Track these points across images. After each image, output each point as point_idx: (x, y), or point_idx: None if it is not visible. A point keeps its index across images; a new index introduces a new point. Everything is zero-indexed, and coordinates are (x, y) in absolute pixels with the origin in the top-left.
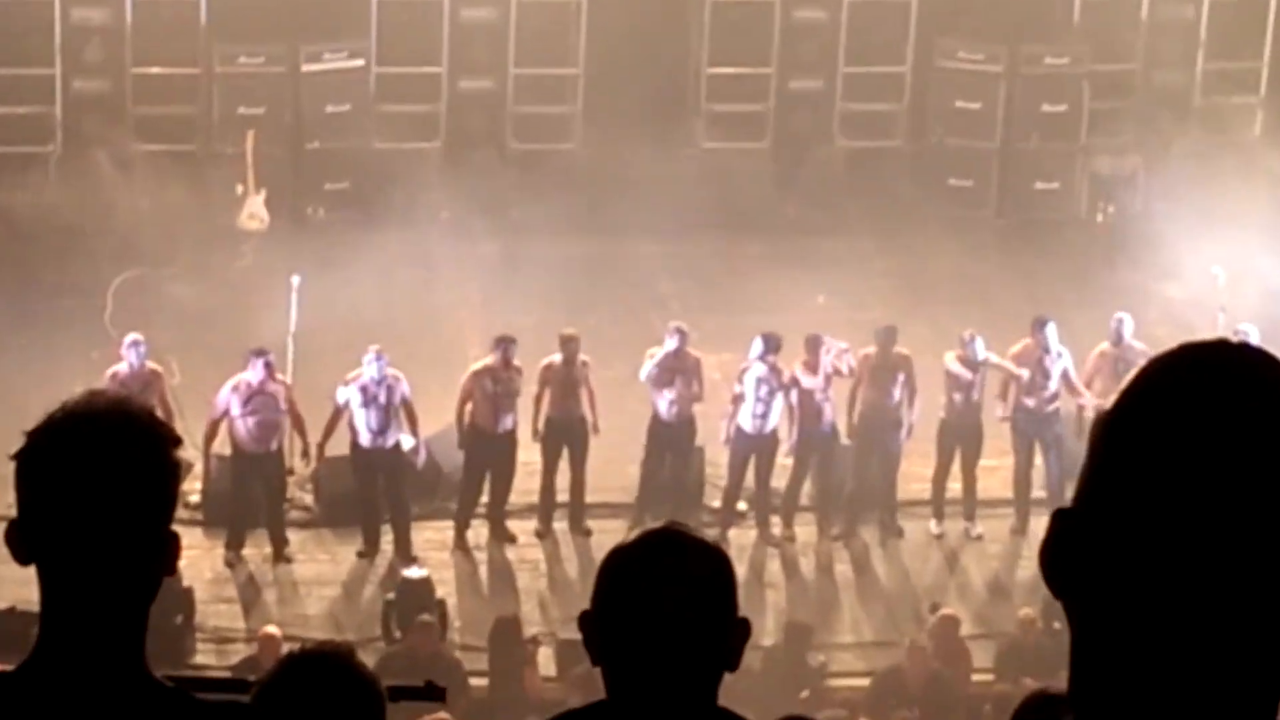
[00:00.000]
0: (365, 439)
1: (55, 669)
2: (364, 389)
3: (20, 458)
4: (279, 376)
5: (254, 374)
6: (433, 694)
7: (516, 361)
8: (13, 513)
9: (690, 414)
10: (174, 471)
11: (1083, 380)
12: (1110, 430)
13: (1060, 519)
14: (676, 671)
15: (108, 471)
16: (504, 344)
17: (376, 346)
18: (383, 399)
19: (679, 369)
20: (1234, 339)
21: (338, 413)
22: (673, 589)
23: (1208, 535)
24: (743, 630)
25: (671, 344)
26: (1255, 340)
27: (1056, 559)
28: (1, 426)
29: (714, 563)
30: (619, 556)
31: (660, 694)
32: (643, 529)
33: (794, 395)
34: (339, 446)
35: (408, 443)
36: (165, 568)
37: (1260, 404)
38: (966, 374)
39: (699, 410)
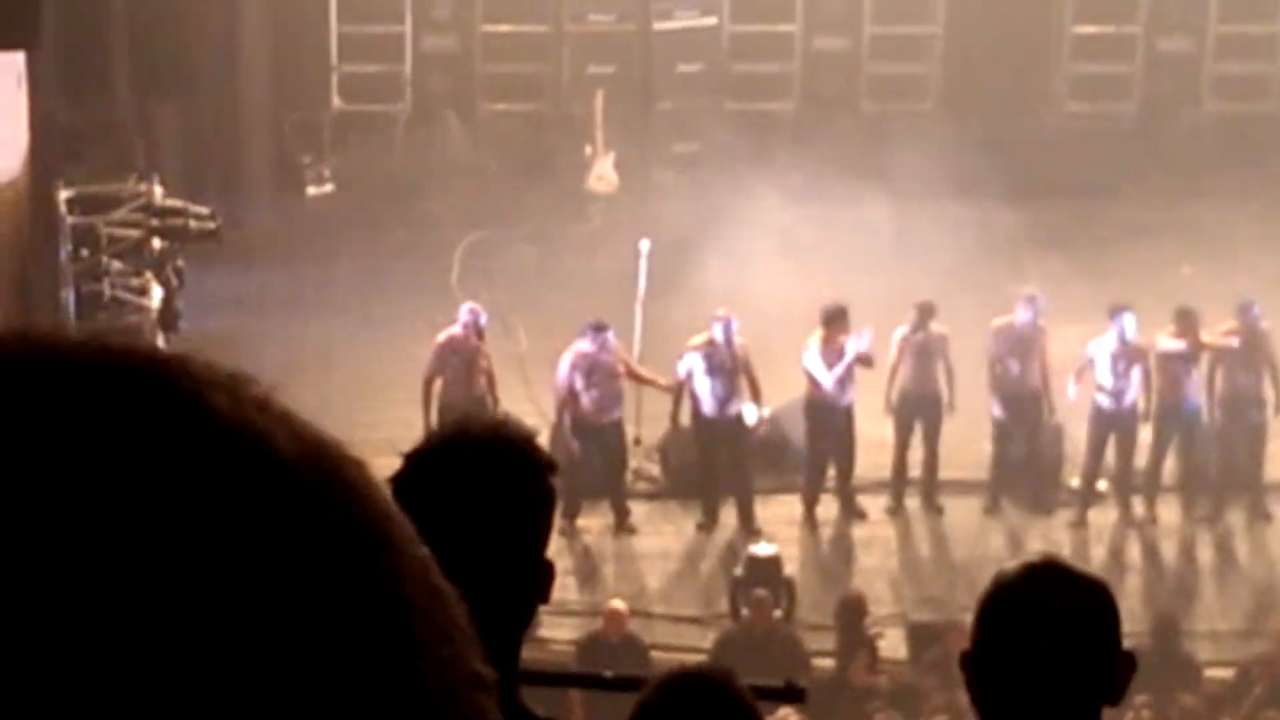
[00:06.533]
0: (708, 408)
1: None
2: (709, 356)
3: (396, 482)
4: (610, 346)
5: (588, 345)
6: (793, 695)
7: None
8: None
9: (1037, 387)
10: (550, 498)
11: None
12: None
13: None
14: (1059, 707)
15: (485, 500)
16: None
17: (724, 309)
18: (728, 365)
19: (1026, 341)
20: None
21: (680, 384)
22: (1057, 624)
23: None
24: (1127, 664)
25: (1025, 315)
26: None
27: None
28: (344, 387)
29: (1098, 596)
30: (1000, 591)
31: None
32: (1021, 561)
33: (1151, 366)
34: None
35: (751, 413)
36: (540, 595)
37: None
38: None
39: (1057, 385)
